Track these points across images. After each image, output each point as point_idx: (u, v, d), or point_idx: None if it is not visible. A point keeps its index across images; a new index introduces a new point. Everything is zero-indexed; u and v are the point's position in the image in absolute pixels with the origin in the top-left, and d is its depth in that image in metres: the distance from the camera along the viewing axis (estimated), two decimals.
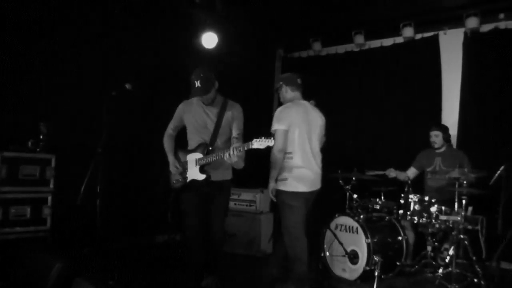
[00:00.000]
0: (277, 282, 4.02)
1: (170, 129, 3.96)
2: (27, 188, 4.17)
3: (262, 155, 3.64)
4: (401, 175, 5.14)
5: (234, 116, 3.73)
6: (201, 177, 3.63)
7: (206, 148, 3.66)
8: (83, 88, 5.01)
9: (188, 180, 3.72)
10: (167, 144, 3.93)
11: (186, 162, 3.77)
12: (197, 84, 3.56)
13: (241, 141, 3.60)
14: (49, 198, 4.32)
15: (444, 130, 5.04)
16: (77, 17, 4.92)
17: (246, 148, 3.26)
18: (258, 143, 3.17)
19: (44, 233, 4.27)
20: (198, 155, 3.66)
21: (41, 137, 4.44)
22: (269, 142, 3.17)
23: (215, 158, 3.52)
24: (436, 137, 5.01)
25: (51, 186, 4.35)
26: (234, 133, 3.71)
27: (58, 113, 4.79)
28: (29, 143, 4.34)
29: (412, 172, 5.17)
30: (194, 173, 3.68)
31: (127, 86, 4.25)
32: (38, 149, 4.38)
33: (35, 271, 2.70)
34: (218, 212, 3.77)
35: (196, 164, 3.66)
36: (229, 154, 3.32)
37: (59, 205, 4.43)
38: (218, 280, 3.89)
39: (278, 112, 3.81)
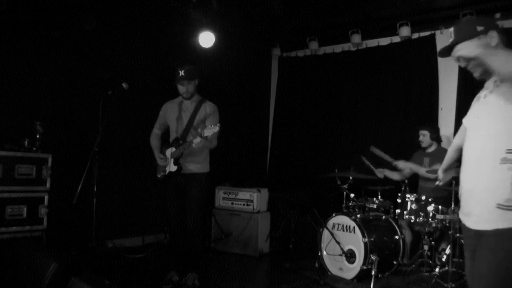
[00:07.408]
0: None
1: (156, 128, 4.26)
2: (23, 188, 4.15)
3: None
4: (393, 175, 5.15)
5: (208, 112, 3.99)
6: (174, 168, 3.96)
7: (178, 142, 3.97)
8: (79, 87, 5.00)
9: (167, 172, 4.02)
10: (153, 142, 4.22)
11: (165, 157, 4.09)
12: (181, 73, 3.90)
13: (215, 140, 3.88)
14: (46, 198, 4.30)
15: (432, 130, 5.04)
16: (73, 16, 4.90)
17: (204, 135, 3.56)
18: (208, 131, 3.52)
19: (40, 233, 4.25)
20: (172, 149, 4.00)
21: (37, 136, 4.42)
22: (214, 129, 3.50)
23: (182, 151, 3.84)
24: (423, 136, 5.04)
25: (48, 185, 4.32)
26: None
27: (54, 112, 4.77)
28: (26, 142, 4.32)
29: (407, 171, 5.17)
30: (170, 166, 3.99)
31: (124, 85, 4.26)
32: (34, 149, 4.36)
33: (31, 270, 2.69)
34: (190, 203, 3.97)
35: (171, 157, 3.99)
36: (191, 142, 3.66)
37: (56, 204, 4.41)
38: (197, 277, 4.01)
39: None
